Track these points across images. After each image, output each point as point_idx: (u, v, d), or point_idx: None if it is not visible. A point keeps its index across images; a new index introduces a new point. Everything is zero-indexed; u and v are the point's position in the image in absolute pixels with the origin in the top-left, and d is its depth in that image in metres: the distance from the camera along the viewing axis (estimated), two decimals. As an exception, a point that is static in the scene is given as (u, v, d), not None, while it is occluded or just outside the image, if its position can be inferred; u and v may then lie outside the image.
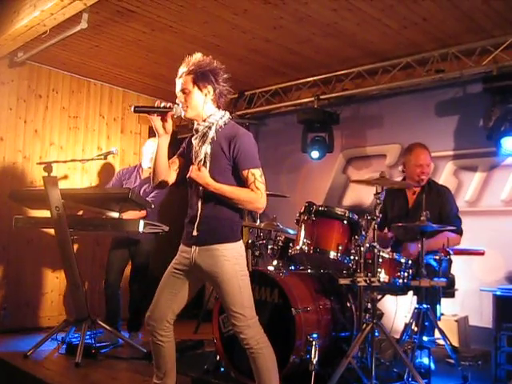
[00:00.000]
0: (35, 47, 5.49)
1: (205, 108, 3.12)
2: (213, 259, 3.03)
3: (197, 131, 3.14)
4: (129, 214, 5.06)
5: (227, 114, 3.19)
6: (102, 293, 6.29)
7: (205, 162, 3.06)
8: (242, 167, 3.02)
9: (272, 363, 3.08)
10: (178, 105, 3.05)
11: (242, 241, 3.16)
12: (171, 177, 3.22)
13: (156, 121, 3.03)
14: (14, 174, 6.02)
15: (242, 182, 3.05)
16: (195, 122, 3.17)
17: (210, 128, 3.10)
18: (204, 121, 3.12)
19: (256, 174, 3.02)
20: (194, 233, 3.06)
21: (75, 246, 5.53)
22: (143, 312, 3.26)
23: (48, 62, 6.21)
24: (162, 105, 3.01)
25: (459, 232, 4.49)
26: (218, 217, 3.06)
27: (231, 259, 3.04)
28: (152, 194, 5.37)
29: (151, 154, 5.44)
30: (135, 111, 3.02)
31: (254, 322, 3.07)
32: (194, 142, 3.14)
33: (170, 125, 3.06)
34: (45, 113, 6.34)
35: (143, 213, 5.17)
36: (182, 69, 3.11)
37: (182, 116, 3.11)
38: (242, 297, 3.04)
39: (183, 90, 3.08)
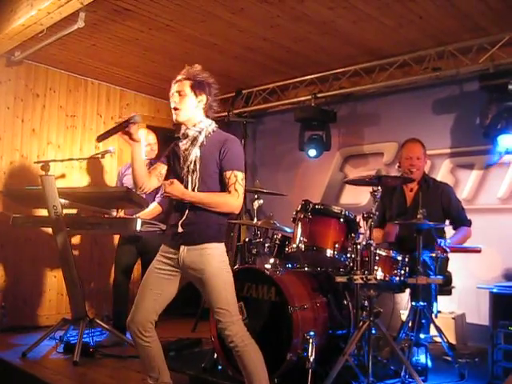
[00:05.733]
0: (32, 46, 5.48)
1: (196, 114, 3.27)
2: (201, 257, 3.13)
3: (185, 136, 3.26)
4: (145, 214, 5.07)
5: (214, 122, 3.34)
6: (101, 291, 6.33)
7: (195, 164, 3.19)
8: (227, 168, 3.17)
9: (258, 358, 3.16)
10: (135, 114, 3.17)
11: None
12: (152, 182, 3.35)
13: (123, 136, 3.19)
14: (11, 173, 6.01)
15: (225, 186, 3.19)
16: (182, 128, 3.29)
17: (200, 133, 3.24)
18: (194, 126, 3.25)
19: (238, 177, 3.18)
20: (179, 230, 3.17)
21: (73, 245, 5.54)
22: None
23: (45, 60, 6.20)
24: (121, 123, 3.16)
25: (470, 224, 4.62)
26: (206, 218, 3.17)
27: (217, 257, 3.16)
28: (158, 194, 5.32)
29: (144, 147, 5.48)
30: (99, 141, 3.26)
31: (237, 319, 3.16)
32: (183, 145, 3.26)
33: (136, 134, 3.19)
34: (42, 112, 6.33)
35: (158, 210, 5.18)
36: (181, 75, 3.26)
37: (174, 119, 3.26)
38: (227, 293, 3.15)
39: (179, 92, 3.22)
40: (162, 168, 3.39)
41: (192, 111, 3.24)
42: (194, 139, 3.22)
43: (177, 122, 3.26)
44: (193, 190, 3.17)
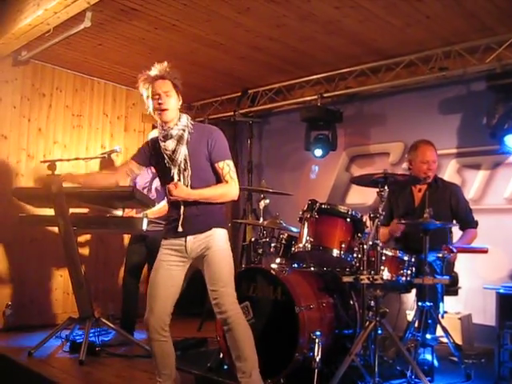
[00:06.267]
0: (39, 46, 5.50)
1: (177, 113, 3.34)
2: (208, 238, 3.26)
3: (167, 136, 3.29)
4: (153, 213, 5.06)
5: (188, 116, 3.41)
6: (107, 291, 6.34)
7: (186, 162, 3.26)
8: (219, 159, 3.29)
9: (249, 336, 3.24)
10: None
11: None
12: (122, 180, 3.59)
13: None
14: (17, 172, 6.04)
15: (217, 175, 3.30)
16: (161, 128, 3.33)
17: (184, 131, 3.29)
18: (176, 125, 3.30)
19: (230, 165, 3.32)
20: (180, 229, 3.26)
21: (79, 244, 5.54)
22: None
23: (51, 60, 6.22)
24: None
25: (476, 226, 4.62)
26: (208, 209, 3.28)
27: (222, 239, 3.31)
28: None
29: None
30: None
31: (233, 293, 3.25)
32: (168, 145, 3.29)
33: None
34: (48, 111, 6.35)
35: (166, 209, 5.16)
36: (157, 73, 3.31)
37: (160, 119, 3.31)
38: (226, 270, 3.26)
39: (166, 93, 3.27)
40: (134, 166, 3.49)
41: (176, 111, 3.32)
42: (180, 138, 3.28)
43: (162, 121, 3.30)
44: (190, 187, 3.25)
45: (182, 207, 3.25)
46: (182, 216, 3.26)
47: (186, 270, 3.36)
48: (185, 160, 3.25)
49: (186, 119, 3.34)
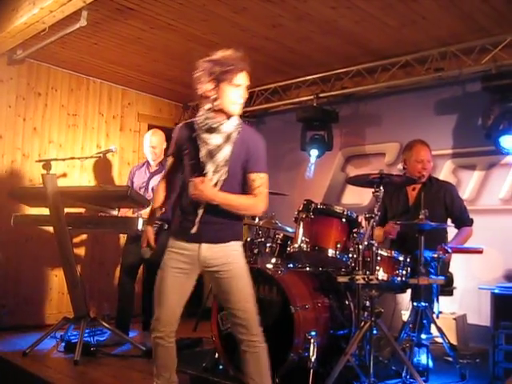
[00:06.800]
0: (34, 45, 5.48)
1: None
2: (226, 255, 3.03)
3: (214, 129, 2.99)
4: (148, 213, 5.03)
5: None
6: (102, 291, 6.33)
7: (225, 163, 2.98)
8: (254, 170, 3.02)
9: (267, 362, 3.06)
10: None
11: None
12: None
13: None
14: (13, 171, 6.02)
15: (246, 186, 3.04)
16: (204, 115, 3.03)
17: (235, 130, 3.04)
18: (229, 120, 3.04)
19: (264, 179, 3.04)
20: (194, 230, 3.00)
21: (74, 244, 5.53)
22: None
23: (47, 59, 6.20)
24: None
25: (471, 224, 4.60)
26: (229, 217, 3.03)
27: (241, 255, 3.09)
28: None
29: (147, 148, 5.47)
30: None
31: (256, 316, 3.06)
32: (213, 139, 3.00)
33: None
34: (44, 110, 6.34)
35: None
36: (244, 64, 3.18)
37: (233, 113, 3.04)
38: (250, 290, 3.07)
39: (246, 87, 3.12)
40: (179, 164, 3.24)
41: None
42: (229, 136, 3.00)
43: (233, 114, 3.04)
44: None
45: (202, 209, 2.98)
46: (199, 218, 2.99)
47: (195, 276, 3.12)
48: (225, 160, 2.96)
49: (237, 118, 3.07)
